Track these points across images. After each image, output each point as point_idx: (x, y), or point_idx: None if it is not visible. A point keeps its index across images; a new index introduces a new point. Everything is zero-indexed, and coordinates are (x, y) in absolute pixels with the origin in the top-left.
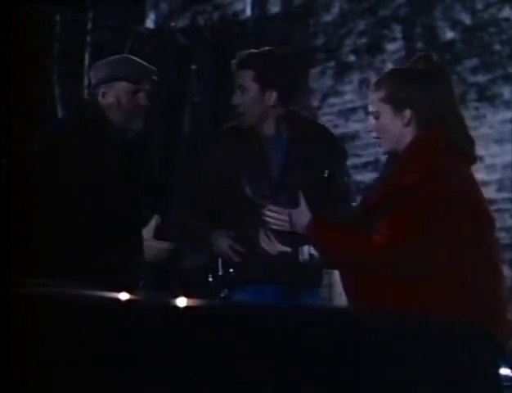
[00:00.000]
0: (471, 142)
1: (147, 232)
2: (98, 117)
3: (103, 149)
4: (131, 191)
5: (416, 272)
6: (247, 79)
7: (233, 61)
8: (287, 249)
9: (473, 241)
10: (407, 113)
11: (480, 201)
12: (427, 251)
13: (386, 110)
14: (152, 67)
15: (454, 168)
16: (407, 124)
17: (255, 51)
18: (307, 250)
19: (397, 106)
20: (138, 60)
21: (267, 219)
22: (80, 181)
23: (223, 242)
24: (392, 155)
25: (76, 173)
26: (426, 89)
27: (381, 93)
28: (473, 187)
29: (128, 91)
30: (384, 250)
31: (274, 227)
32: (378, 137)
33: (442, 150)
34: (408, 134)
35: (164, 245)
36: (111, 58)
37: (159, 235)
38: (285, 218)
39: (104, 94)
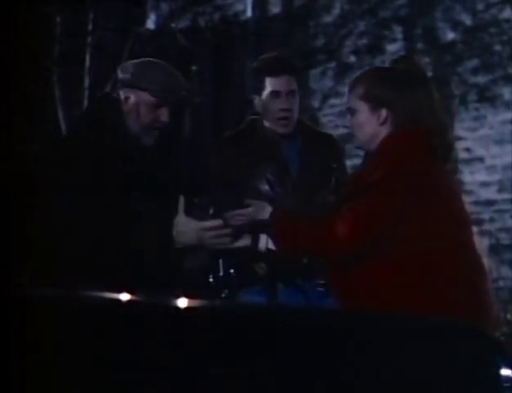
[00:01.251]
0: (449, 148)
1: (180, 216)
2: (116, 121)
3: (112, 152)
4: (131, 191)
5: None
6: (293, 83)
7: (266, 65)
8: (246, 242)
9: (443, 240)
10: (383, 112)
11: (454, 202)
12: (384, 243)
13: (362, 108)
14: (183, 80)
15: (424, 168)
16: (382, 124)
17: (284, 55)
18: (265, 243)
19: (374, 104)
20: (172, 70)
21: (229, 216)
22: (83, 181)
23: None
24: (367, 152)
25: (81, 174)
26: (404, 91)
27: (359, 90)
28: (448, 188)
29: (151, 104)
30: (342, 240)
31: (234, 222)
32: (353, 134)
33: (412, 149)
34: (383, 133)
35: (206, 224)
36: (142, 61)
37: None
38: (245, 211)
39: (126, 99)
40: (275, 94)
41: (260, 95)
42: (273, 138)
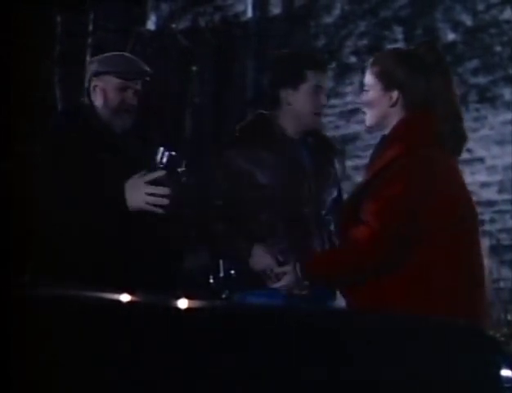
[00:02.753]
0: (460, 139)
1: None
2: (88, 116)
3: (92, 146)
4: (110, 175)
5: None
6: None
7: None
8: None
9: (451, 230)
10: (395, 94)
11: (460, 192)
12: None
13: (376, 87)
14: (147, 68)
15: (435, 155)
16: (393, 105)
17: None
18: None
19: (387, 84)
20: (134, 58)
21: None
22: (73, 181)
23: (266, 264)
24: (382, 137)
25: (70, 174)
26: (419, 75)
27: (375, 69)
28: (455, 178)
29: (116, 86)
30: (371, 248)
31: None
32: (364, 112)
33: (423, 135)
34: (394, 115)
35: (145, 178)
36: (107, 54)
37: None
38: (284, 269)
39: (94, 87)
40: (319, 89)
41: (295, 88)
42: (290, 137)
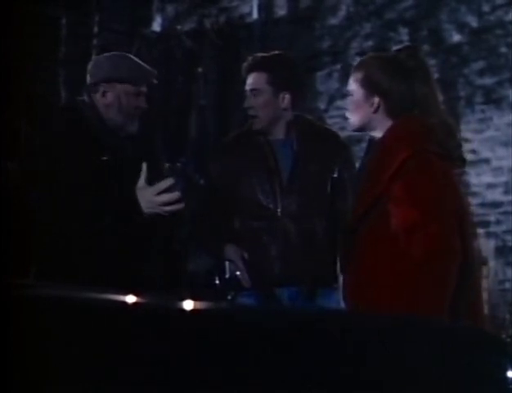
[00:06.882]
0: (453, 145)
1: (139, 183)
2: (91, 117)
3: (96, 148)
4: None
5: None
6: (261, 81)
7: (244, 64)
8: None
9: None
10: (375, 100)
11: (459, 199)
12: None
13: (358, 93)
14: (152, 70)
15: (434, 158)
16: (375, 112)
17: (267, 54)
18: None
19: (369, 91)
20: (138, 61)
21: None
22: (74, 180)
23: (235, 264)
24: (372, 142)
25: (70, 174)
26: (400, 80)
27: (357, 75)
28: (452, 184)
29: (131, 93)
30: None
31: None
32: (347, 116)
33: (420, 135)
34: (378, 120)
35: (155, 187)
36: (112, 55)
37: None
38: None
39: (104, 93)
40: (245, 93)
41: None
42: (266, 141)
